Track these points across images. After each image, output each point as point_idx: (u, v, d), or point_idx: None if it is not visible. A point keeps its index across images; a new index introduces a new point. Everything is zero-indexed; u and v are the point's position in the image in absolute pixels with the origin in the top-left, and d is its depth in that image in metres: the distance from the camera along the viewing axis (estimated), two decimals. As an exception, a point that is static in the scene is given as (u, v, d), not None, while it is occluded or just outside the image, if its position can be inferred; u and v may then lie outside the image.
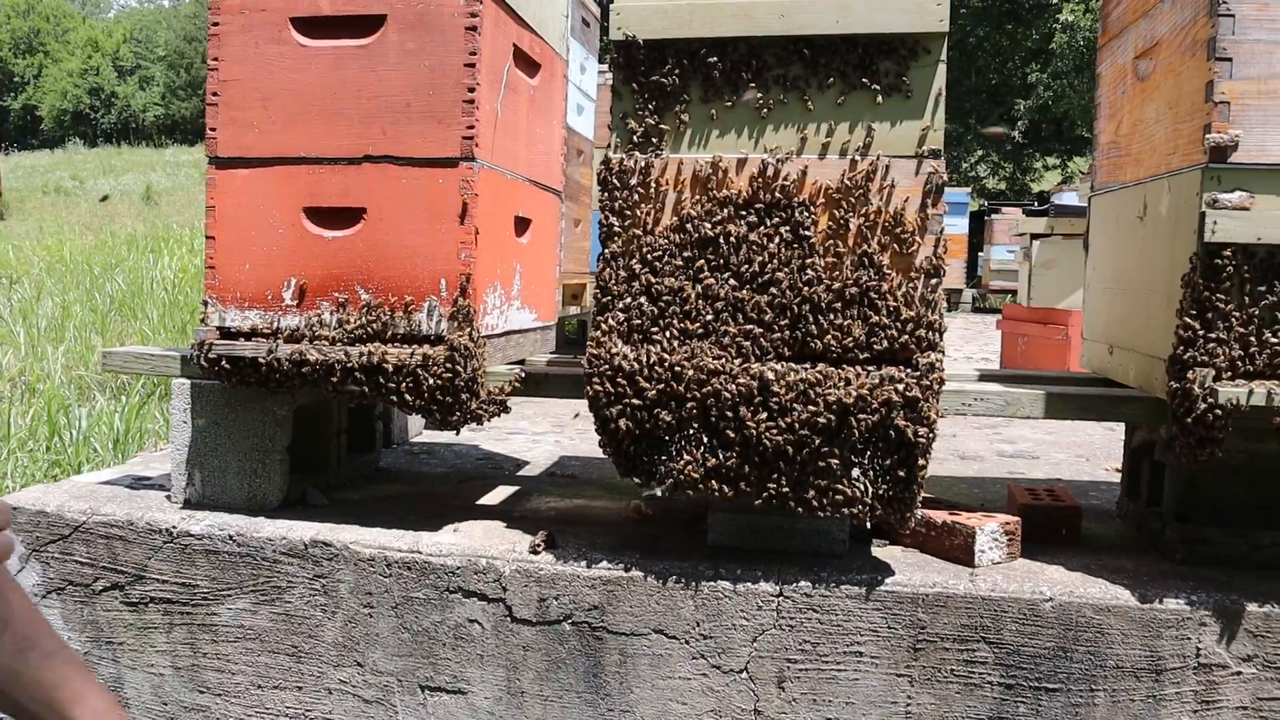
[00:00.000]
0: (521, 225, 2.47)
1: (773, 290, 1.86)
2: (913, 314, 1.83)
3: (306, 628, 2.19)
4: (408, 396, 2.11)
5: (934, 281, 1.83)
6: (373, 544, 2.14)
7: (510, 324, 2.40)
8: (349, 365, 2.12)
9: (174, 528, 2.24)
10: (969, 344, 8.28)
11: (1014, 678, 1.87)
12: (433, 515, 2.34)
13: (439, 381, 2.08)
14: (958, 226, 12.65)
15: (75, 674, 0.98)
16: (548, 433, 3.62)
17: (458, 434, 2.29)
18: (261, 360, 2.18)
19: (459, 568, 2.08)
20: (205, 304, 2.26)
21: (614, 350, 1.91)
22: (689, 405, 1.88)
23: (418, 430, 3.48)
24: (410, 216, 2.14)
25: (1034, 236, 4.73)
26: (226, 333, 2.25)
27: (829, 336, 1.85)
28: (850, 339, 1.84)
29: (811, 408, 1.82)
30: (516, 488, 2.66)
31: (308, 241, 2.20)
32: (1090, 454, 3.32)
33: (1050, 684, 1.86)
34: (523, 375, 2.20)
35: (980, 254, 12.92)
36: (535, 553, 2.06)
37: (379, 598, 2.14)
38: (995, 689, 1.88)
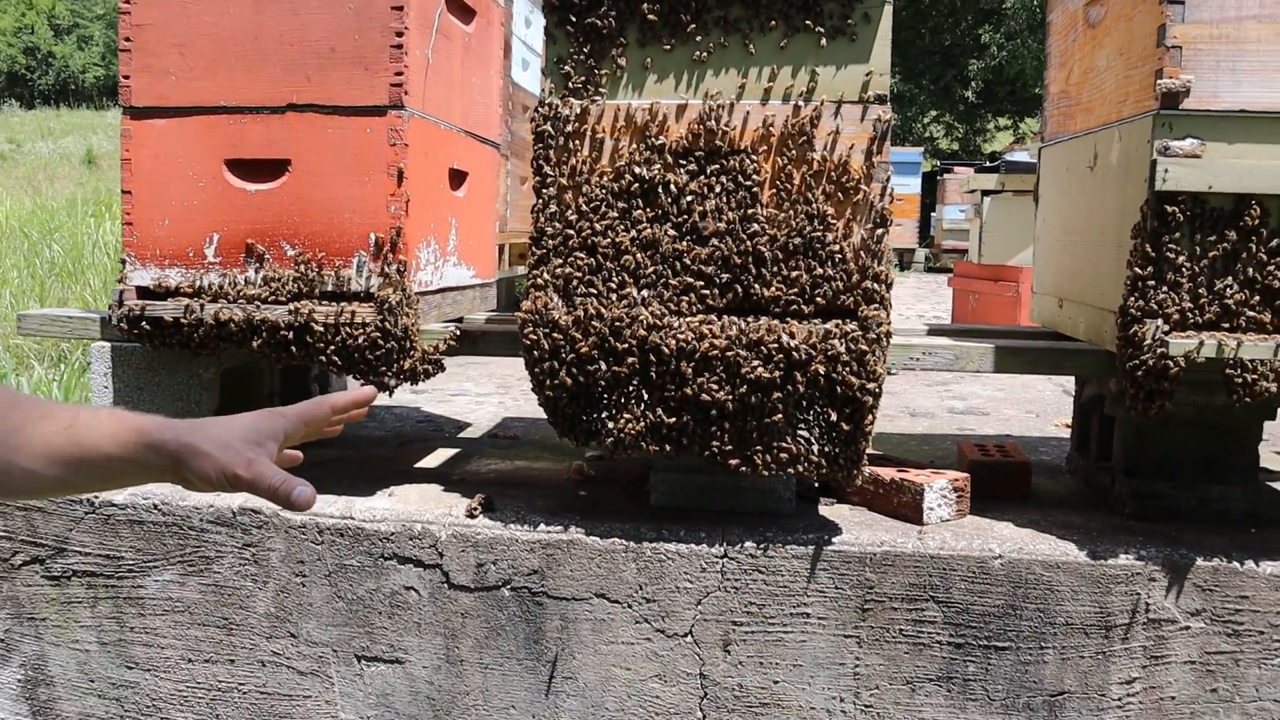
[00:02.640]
0: (457, 178, 2.38)
1: (714, 242, 1.79)
2: (858, 265, 1.77)
3: (237, 599, 2.11)
4: (336, 357, 2.02)
5: (880, 231, 1.77)
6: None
7: (446, 280, 2.31)
8: (275, 325, 2.03)
9: (96, 497, 2.14)
10: (921, 302, 8.30)
11: (963, 636, 1.84)
12: (368, 480, 2.26)
13: (368, 341, 1.99)
14: (910, 186, 12.65)
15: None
16: (491, 394, 3.54)
17: (390, 395, 2.20)
18: (183, 321, 2.07)
19: (393, 533, 2.00)
20: (124, 262, 2.15)
21: (549, 304, 1.83)
22: (628, 361, 1.81)
23: (359, 394, 3.38)
24: (337, 168, 2.04)
25: (985, 193, 4.69)
26: (146, 292, 2.14)
27: (772, 289, 1.78)
28: (794, 291, 1.78)
29: (754, 363, 1.76)
30: (456, 450, 2.58)
31: (230, 195, 2.09)
32: (1040, 410, 3.31)
33: (999, 642, 1.83)
34: (458, 333, 2.12)
35: (933, 214, 12.94)
36: (472, 516, 1.99)
37: (311, 566, 2.06)
38: (944, 648, 1.85)
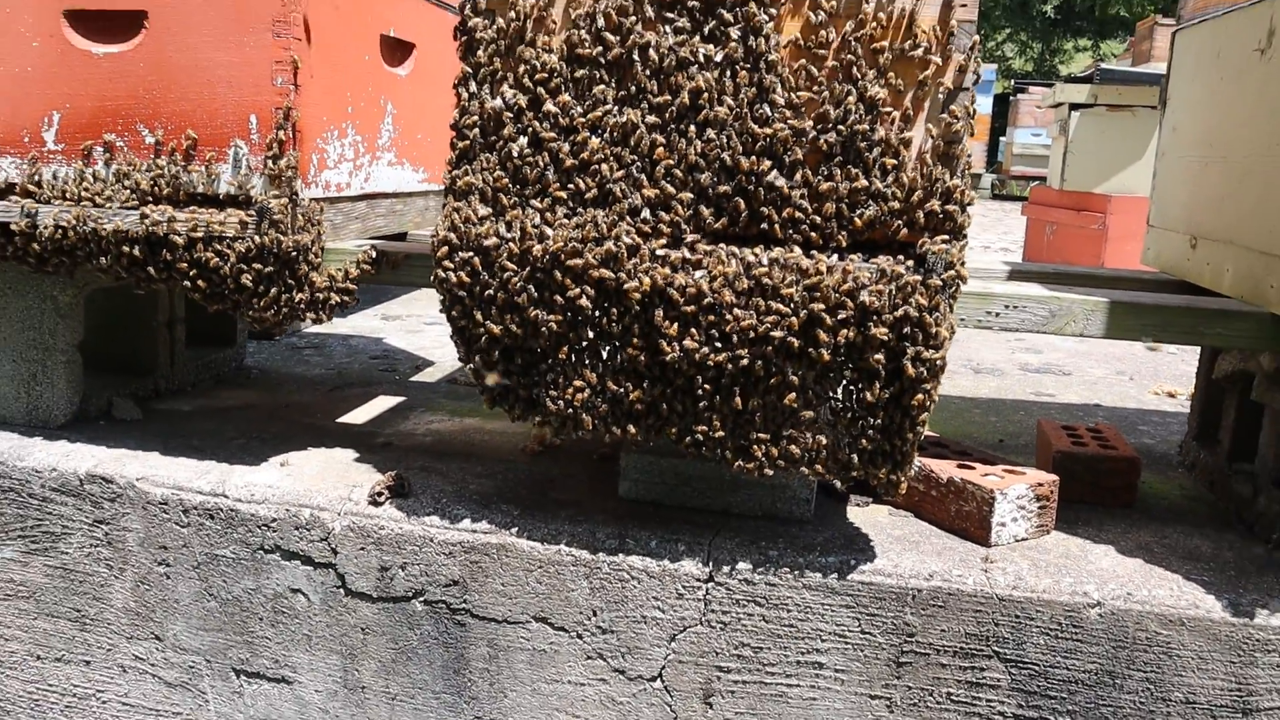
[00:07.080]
0: (396, 50, 1.82)
1: (710, 134, 1.23)
2: (922, 175, 1.20)
3: (90, 587, 1.64)
4: (201, 283, 1.50)
5: (957, 126, 1.19)
6: (166, 482, 1.57)
7: (376, 183, 1.77)
8: (126, 236, 1.51)
9: (-85, 449, 1.67)
10: (986, 231, 7.58)
11: (1036, 709, 1.31)
12: (270, 438, 1.76)
13: (240, 262, 1.47)
14: (981, 106, 11.80)
15: None
16: (478, 325, 3.02)
17: (275, 339, 1.69)
18: (15, 227, 1.57)
19: (274, 519, 1.51)
20: (-51, 146, 1.64)
21: (472, 217, 1.29)
22: (579, 304, 1.27)
23: (319, 319, 2.87)
24: (208, 23, 1.49)
25: (1073, 107, 4.03)
26: (-21, 187, 1.63)
27: (789, 206, 1.22)
28: (825, 212, 1.22)
29: (760, 315, 1.21)
30: (400, 399, 2.07)
31: (73, 61, 1.55)
32: (1134, 370, 2.72)
33: (1090, 721, 1.30)
34: (374, 255, 1.58)
35: (1002, 138, 12.05)
36: (375, 503, 1.48)
37: (176, 554, 1.58)
38: (1010, 724, 1.32)
